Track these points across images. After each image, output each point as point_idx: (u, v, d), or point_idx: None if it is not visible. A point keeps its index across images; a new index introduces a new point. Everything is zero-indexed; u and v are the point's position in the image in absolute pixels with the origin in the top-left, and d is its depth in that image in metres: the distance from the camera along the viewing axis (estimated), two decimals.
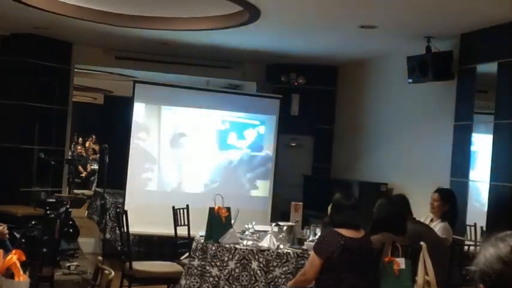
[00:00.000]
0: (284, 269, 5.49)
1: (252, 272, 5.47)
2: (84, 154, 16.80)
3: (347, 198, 4.72)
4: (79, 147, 16.89)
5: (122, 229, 6.39)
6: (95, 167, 15.31)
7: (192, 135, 8.55)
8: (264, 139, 8.88)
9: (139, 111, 8.29)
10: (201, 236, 5.84)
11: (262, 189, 8.89)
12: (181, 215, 6.97)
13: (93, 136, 17.68)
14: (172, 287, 6.28)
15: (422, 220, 5.75)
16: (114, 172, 8.66)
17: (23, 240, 6.02)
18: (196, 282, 5.57)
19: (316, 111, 9.61)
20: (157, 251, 8.45)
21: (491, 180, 6.13)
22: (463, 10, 5.83)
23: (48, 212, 6.06)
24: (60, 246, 6.36)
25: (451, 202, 5.77)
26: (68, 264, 6.69)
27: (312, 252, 4.67)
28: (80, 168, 15.50)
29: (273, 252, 5.53)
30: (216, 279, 5.49)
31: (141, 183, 8.28)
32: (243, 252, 5.51)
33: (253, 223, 6.09)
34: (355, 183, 8.06)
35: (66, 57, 9.11)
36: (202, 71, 9.84)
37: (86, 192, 13.04)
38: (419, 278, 4.67)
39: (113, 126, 10.84)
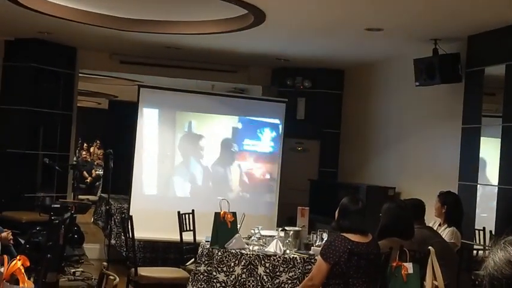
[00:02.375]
0: (291, 274, 5.45)
1: (258, 278, 5.43)
2: (89, 159, 16.77)
3: (354, 203, 4.67)
4: (84, 153, 16.87)
5: (127, 235, 6.36)
6: (100, 172, 15.29)
7: (198, 139, 8.51)
8: (270, 143, 8.83)
9: (144, 115, 8.26)
10: (206, 241, 5.80)
11: (268, 193, 8.83)
12: (187, 220, 6.93)
13: (98, 141, 17.65)
14: None
15: (431, 225, 5.69)
16: (119, 177, 8.62)
17: (28, 246, 6.00)
18: None
19: (323, 115, 9.54)
20: (163, 256, 8.42)
21: (499, 184, 6.06)
22: (470, 12, 5.78)
23: (52, 218, 6.03)
24: (65, 252, 6.33)
25: (447, 203, 5.70)
26: (73, 270, 6.68)
27: (319, 257, 4.62)
28: (85, 173, 15.47)
29: (279, 257, 5.49)
30: (223, 285, 5.45)
31: (146, 189, 8.24)
32: (249, 257, 5.47)
33: (260, 228, 6.05)
34: (362, 187, 7.99)
35: (70, 62, 9.07)
36: (208, 75, 9.80)
37: (90, 197, 12.98)
38: (428, 282, 4.63)
39: (117, 131, 10.81)
